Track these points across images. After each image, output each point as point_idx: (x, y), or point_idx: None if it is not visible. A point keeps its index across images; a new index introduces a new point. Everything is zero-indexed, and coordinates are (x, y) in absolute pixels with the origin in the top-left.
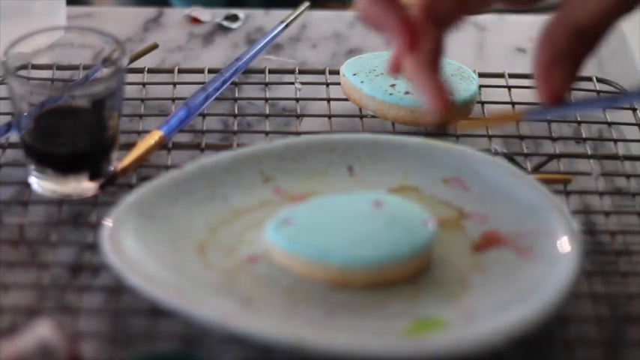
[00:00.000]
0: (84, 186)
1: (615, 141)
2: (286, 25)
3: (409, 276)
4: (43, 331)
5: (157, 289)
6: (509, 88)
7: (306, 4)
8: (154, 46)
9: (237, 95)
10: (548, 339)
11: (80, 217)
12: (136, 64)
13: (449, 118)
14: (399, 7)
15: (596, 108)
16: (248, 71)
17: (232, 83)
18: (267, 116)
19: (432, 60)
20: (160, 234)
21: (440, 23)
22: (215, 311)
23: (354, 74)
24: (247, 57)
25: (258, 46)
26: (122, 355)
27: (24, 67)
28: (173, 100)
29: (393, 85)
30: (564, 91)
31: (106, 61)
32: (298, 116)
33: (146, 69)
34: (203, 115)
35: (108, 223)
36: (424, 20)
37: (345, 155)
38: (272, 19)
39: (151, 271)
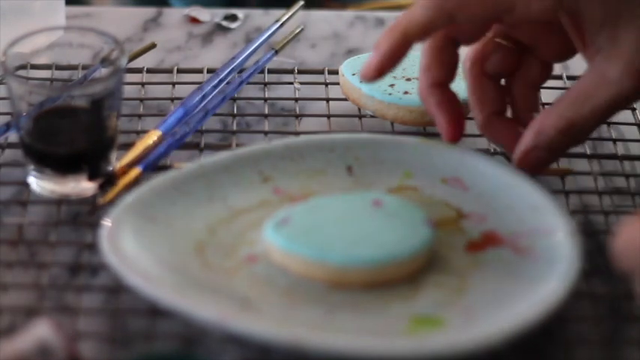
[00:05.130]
0: (83, 186)
1: (614, 141)
2: (281, 25)
3: (408, 276)
4: (42, 331)
5: (156, 289)
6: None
7: (301, 3)
8: (152, 46)
9: (236, 95)
10: (548, 339)
11: (79, 217)
12: (135, 64)
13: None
14: (449, 99)
15: None
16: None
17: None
18: (266, 116)
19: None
20: (159, 234)
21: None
22: (214, 311)
23: (353, 74)
24: (243, 57)
25: (254, 46)
26: (121, 355)
27: (23, 67)
28: (172, 100)
29: (392, 85)
30: (535, 172)
31: (105, 61)
32: (297, 116)
33: (145, 69)
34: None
35: (107, 223)
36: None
37: (344, 155)
38: (271, 19)
39: (150, 271)
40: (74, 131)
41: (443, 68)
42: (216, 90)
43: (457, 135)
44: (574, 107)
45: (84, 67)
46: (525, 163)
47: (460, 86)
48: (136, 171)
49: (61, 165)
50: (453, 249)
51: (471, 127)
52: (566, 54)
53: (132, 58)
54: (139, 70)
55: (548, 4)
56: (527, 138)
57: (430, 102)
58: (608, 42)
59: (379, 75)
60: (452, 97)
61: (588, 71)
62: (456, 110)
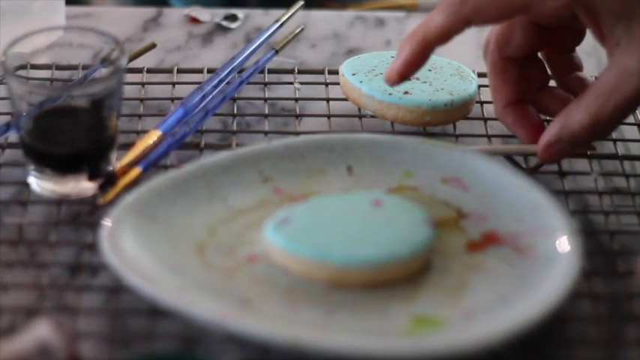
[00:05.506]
0: (83, 186)
1: (614, 141)
2: (281, 25)
3: (408, 276)
4: (42, 331)
5: (156, 289)
6: None
7: (300, 3)
8: (152, 46)
9: (236, 95)
10: (548, 339)
11: (79, 217)
12: (135, 64)
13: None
14: (525, 115)
15: None
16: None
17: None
18: (266, 116)
19: None
20: (159, 234)
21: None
22: (214, 311)
23: (353, 74)
24: (243, 57)
25: (254, 46)
26: (121, 355)
27: (23, 67)
28: (172, 100)
29: None
30: (556, 161)
31: (105, 61)
32: (297, 116)
33: (145, 69)
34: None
35: (107, 223)
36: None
37: (345, 155)
38: (271, 19)
39: (150, 271)
40: (74, 131)
41: (509, 87)
42: (216, 90)
43: None
44: (598, 102)
45: (84, 67)
46: (548, 153)
47: (460, 86)
48: (136, 171)
49: (61, 165)
50: (453, 249)
51: (470, 127)
52: None
53: (132, 58)
54: (139, 70)
55: (563, 1)
56: (552, 130)
57: (507, 122)
58: (625, 35)
59: (402, 79)
60: (527, 112)
61: (610, 65)
62: (534, 123)
